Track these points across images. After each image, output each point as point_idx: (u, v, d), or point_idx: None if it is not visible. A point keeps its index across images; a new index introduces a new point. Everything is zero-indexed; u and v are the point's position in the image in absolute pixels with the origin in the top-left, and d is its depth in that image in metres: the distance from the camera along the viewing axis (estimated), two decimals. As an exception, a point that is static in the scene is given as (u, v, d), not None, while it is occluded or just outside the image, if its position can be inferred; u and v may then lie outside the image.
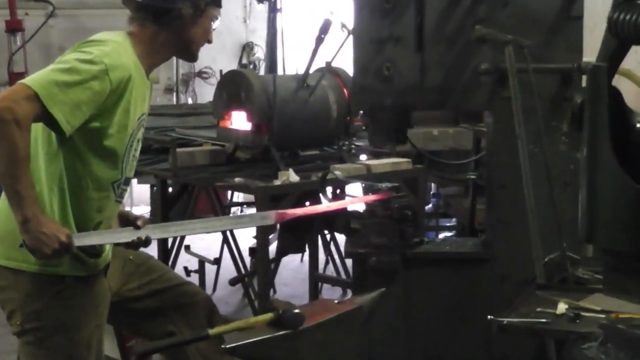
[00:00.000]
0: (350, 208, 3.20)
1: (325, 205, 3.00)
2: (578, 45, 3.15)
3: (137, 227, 2.37)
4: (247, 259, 5.36)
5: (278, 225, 3.82)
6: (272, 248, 4.01)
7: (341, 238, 4.18)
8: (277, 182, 3.89)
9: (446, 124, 5.31)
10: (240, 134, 4.24)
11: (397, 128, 3.37)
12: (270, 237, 4.19)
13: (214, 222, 2.66)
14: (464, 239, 3.95)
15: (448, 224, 6.20)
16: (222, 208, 5.39)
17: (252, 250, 4.93)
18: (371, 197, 3.04)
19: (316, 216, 3.12)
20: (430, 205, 6.04)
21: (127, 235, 2.36)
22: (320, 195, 3.20)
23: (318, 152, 4.75)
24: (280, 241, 3.84)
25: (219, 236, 5.49)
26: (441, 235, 6.02)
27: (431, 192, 6.11)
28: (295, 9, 7.88)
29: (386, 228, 3.06)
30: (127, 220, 2.43)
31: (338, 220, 3.18)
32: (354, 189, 4.78)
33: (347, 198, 3.38)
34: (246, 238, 5.68)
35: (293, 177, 3.91)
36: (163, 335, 2.65)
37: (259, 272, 3.97)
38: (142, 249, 2.48)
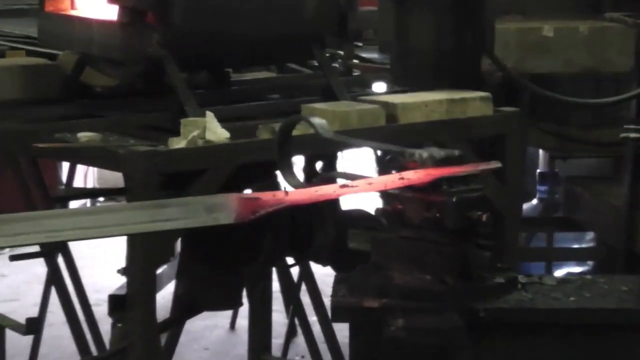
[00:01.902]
0: (346, 204, 3.33)
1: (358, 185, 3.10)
2: None
3: None
4: (105, 323, 5.35)
5: (179, 245, 3.91)
6: (166, 295, 4.01)
7: (323, 273, 4.19)
8: (180, 144, 4.02)
9: (572, 12, 5.42)
10: (95, 32, 4.40)
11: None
12: (160, 270, 4.22)
13: (105, 216, 2.71)
14: (612, 277, 3.98)
15: (576, 246, 6.33)
16: (48, 200, 5.47)
17: (115, 302, 4.89)
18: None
19: (268, 223, 3.26)
20: (534, 201, 6.29)
21: None
22: (279, 172, 3.27)
23: (275, 74, 4.91)
24: (186, 282, 3.92)
25: (37, 267, 5.64)
26: (560, 272, 6.17)
27: (537, 171, 6.36)
28: None
29: (431, 251, 3.10)
30: None
31: (319, 231, 3.25)
32: (359, 159, 4.80)
33: (339, 181, 3.39)
34: (102, 272, 5.84)
35: (216, 131, 3.99)
36: None
37: (130, 355, 4.00)
38: None
